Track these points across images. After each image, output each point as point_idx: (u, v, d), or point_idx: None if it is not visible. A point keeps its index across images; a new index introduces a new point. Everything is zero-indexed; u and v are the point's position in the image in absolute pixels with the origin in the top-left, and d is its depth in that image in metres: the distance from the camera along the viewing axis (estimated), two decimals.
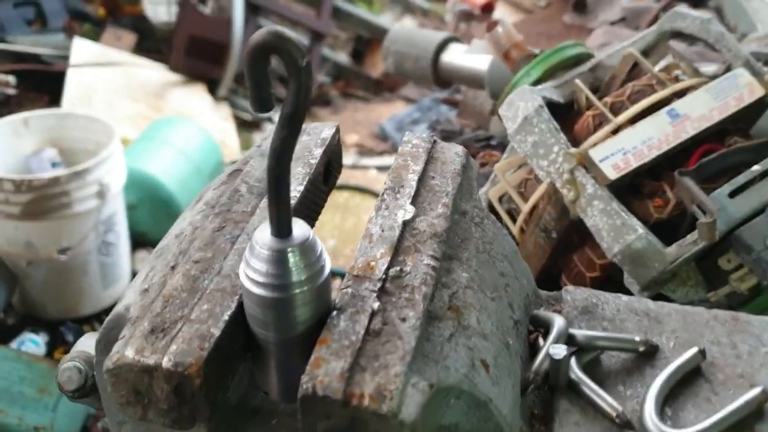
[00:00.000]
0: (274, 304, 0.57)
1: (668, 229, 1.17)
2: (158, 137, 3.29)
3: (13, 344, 2.60)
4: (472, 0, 4.78)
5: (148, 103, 4.04)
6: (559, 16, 2.77)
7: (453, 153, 0.83)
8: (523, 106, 1.26)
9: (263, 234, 0.57)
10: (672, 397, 0.71)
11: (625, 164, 1.17)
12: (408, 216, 0.71)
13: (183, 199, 3.07)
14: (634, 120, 1.23)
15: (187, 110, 4.08)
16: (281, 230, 0.57)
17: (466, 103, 2.27)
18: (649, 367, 0.74)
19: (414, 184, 0.76)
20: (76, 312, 2.81)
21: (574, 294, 0.83)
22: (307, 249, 0.57)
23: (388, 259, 0.65)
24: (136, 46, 4.57)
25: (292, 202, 0.71)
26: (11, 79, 3.90)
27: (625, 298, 0.83)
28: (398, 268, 0.64)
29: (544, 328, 0.76)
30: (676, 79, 1.31)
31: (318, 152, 0.80)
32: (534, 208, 1.29)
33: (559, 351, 0.69)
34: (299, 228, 0.58)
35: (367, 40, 5.27)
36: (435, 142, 0.83)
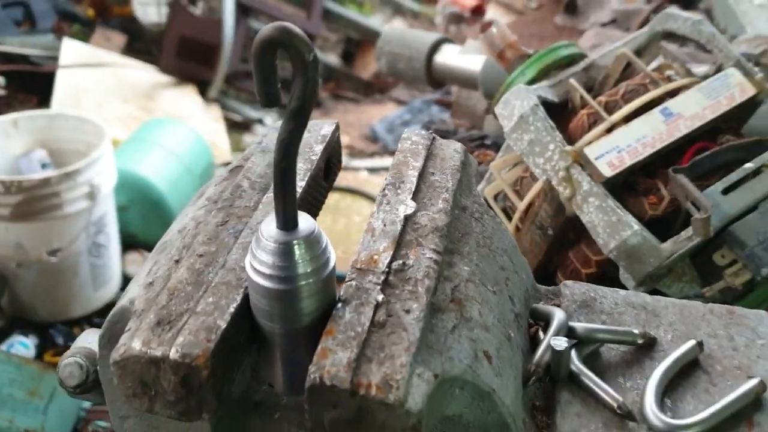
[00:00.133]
0: (280, 296, 0.57)
1: (663, 226, 1.18)
2: (149, 138, 3.27)
3: (3, 347, 2.58)
4: (462, 2, 4.80)
5: (138, 105, 4.03)
6: (551, 17, 2.79)
7: (452, 150, 0.84)
8: (518, 104, 1.28)
9: (269, 227, 0.57)
10: (671, 388, 0.72)
11: (619, 162, 1.19)
12: (409, 211, 0.72)
13: (174, 201, 3.06)
14: (628, 119, 1.24)
15: (177, 111, 4.07)
16: (287, 223, 0.57)
17: (459, 103, 2.28)
18: (647, 360, 0.75)
19: (414, 179, 0.76)
20: (66, 314, 2.79)
21: (572, 288, 0.84)
22: (312, 241, 0.57)
23: (391, 252, 0.66)
24: (125, 47, 4.56)
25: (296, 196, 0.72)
26: (0, 80, 3.88)
27: (622, 292, 0.84)
28: (401, 262, 0.65)
29: (544, 321, 0.77)
30: (669, 79, 1.33)
31: (319, 149, 0.81)
32: (530, 205, 1.30)
33: (560, 342, 0.70)
34: (305, 221, 0.58)
35: (357, 42, 5.28)
36: (434, 138, 0.84)
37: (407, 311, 0.60)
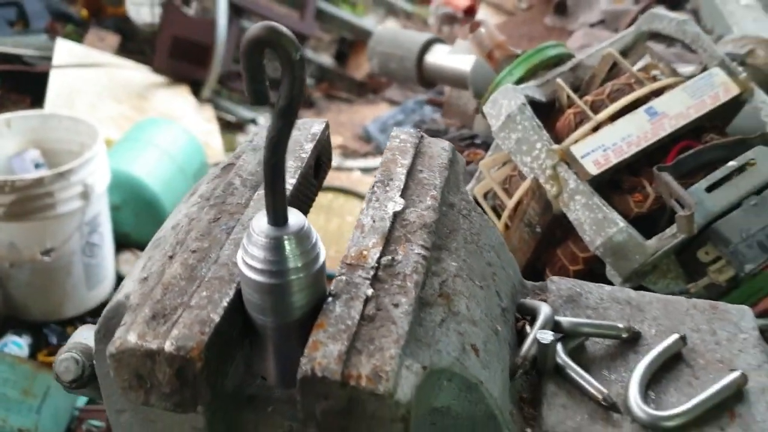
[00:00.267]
0: (272, 290, 0.58)
1: (648, 224, 1.20)
2: (142, 138, 3.28)
3: None
4: (455, 3, 4.82)
5: (132, 105, 4.03)
6: (541, 18, 2.81)
7: (440, 148, 0.85)
8: (506, 104, 1.29)
9: (260, 222, 0.59)
10: (655, 381, 0.74)
11: (605, 160, 1.20)
12: (398, 207, 0.73)
13: (167, 200, 3.07)
14: (613, 118, 1.26)
15: (170, 112, 4.07)
16: (278, 219, 0.58)
17: (450, 102, 2.30)
18: (632, 353, 0.77)
19: (403, 177, 0.78)
20: (59, 314, 2.79)
21: (558, 284, 0.86)
22: (302, 237, 0.59)
23: (380, 248, 0.67)
24: (119, 48, 4.56)
25: (286, 193, 0.73)
26: None
27: (607, 287, 0.86)
28: (390, 257, 0.66)
29: (531, 315, 0.79)
30: (654, 79, 1.35)
31: (309, 147, 0.82)
32: (518, 203, 1.32)
33: (546, 336, 0.72)
34: (295, 217, 0.60)
35: (350, 42, 5.29)
36: (422, 137, 0.86)
37: (396, 305, 0.61)
